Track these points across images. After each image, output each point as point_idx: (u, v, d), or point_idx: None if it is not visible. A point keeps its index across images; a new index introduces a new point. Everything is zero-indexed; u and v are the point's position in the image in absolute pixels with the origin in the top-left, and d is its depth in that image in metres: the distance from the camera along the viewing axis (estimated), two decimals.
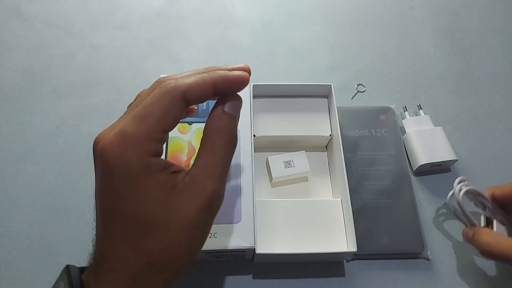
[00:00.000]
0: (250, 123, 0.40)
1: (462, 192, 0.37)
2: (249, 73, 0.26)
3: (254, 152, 0.37)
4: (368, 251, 0.38)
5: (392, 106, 0.47)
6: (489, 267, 0.39)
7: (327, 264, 0.38)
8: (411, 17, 0.57)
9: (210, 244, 0.33)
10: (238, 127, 0.39)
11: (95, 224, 0.23)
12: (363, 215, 0.40)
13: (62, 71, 0.50)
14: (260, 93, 0.43)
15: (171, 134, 0.38)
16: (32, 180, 0.42)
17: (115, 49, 0.52)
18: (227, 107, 0.25)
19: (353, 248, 0.34)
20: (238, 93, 0.26)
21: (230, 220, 0.34)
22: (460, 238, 0.40)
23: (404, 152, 0.44)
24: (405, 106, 0.47)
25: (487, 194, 0.38)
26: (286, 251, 0.35)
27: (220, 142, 0.24)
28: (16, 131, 0.45)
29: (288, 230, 0.37)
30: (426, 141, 0.43)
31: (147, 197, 0.21)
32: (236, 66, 0.26)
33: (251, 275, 0.38)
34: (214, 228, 0.34)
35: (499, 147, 0.46)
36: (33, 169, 0.43)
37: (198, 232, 0.23)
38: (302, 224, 0.37)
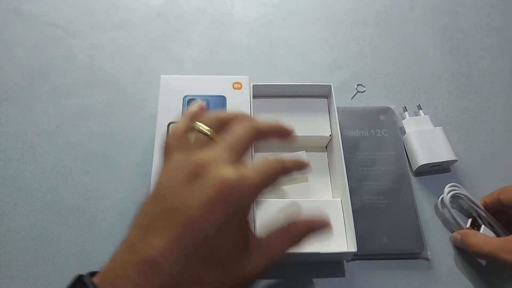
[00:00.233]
0: None
1: (449, 195, 0.40)
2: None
3: (254, 152, 0.37)
4: (368, 251, 0.38)
5: (392, 106, 0.47)
6: (489, 267, 0.39)
7: (327, 264, 0.38)
8: (411, 17, 0.58)
9: None
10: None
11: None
12: (363, 215, 0.40)
13: (62, 71, 0.50)
14: (260, 93, 0.43)
15: None
16: (32, 179, 0.42)
17: (115, 49, 0.52)
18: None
19: (353, 248, 0.34)
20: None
21: None
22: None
23: (404, 152, 0.44)
24: (405, 106, 0.47)
25: (480, 203, 0.40)
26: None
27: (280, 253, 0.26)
28: (16, 131, 0.45)
29: None
30: (426, 141, 0.43)
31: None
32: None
33: None
34: None
35: (499, 147, 0.46)
36: (33, 169, 0.43)
37: None
38: None
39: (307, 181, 0.42)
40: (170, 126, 0.28)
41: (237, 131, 0.26)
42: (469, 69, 0.53)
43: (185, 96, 0.41)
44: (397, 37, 0.55)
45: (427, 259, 0.39)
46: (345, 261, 0.39)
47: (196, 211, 0.23)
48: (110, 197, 0.41)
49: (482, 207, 0.40)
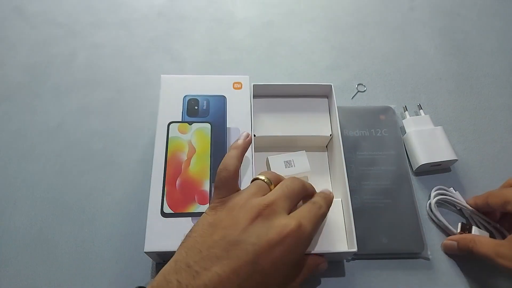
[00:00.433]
0: (250, 123, 0.40)
1: (434, 200, 0.41)
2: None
3: (255, 152, 0.37)
4: (368, 251, 0.38)
5: (392, 106, 0.47)
6: (489, 267, 0.39)
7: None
8: (411, 17, 0.58)
9: None
10: (238, 127, 0.40)
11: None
12: (363, 215, 0.40)
13: (63, 70, 0.50)
14: (260, 93, 0.43)
15: (171, 134, 0.39)
16: (33, 177, 0.42)
17: (116, 48, 0.52)
18: None
19: (353, 248, 0.34)
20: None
21: None
22: None
23: (404, 152, 0.44)
24: (405, 106, 0.47)
25: (471, 202, 0.40)
26: None
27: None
28: (17, 129, 0.45)
29: None
30: (426, 141, 0.43)
31: None
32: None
33: None
34: None
35: (498, 147, 0.46)
36: (34, 167, 0.43)
37: None
38: None
39: (308, 181, 0.42)
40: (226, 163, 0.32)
41: (291, 184, 0.32)
42: (469, 69, 0.53)
43: (185, 95, 0.41)
44: (397, 37, 0.56)
45: (427, 259, 0.39)
46: (345, 260, 0.39)
47: (259, 250, 0.26)
48: (110, 195, 0.41)
49: (470, 208, 0.40)
